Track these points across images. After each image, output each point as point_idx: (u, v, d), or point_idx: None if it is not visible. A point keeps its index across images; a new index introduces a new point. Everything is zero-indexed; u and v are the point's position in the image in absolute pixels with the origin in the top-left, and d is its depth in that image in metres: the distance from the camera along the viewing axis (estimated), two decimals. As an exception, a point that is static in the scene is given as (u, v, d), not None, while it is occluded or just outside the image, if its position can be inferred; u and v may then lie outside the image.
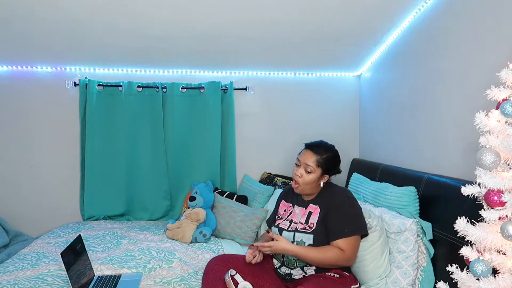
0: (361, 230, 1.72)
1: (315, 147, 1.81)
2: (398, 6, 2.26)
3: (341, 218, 1.69)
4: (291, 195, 1.94)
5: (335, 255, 1.63)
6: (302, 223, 1.77)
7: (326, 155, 1.78)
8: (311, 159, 1.77)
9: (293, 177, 1.81)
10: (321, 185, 1.80)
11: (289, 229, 1.79)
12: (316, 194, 1.82)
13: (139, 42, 2.59)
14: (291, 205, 1.91)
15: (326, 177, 1.80)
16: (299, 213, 1.83)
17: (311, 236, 1.70)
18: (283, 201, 1.97)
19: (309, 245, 1.69)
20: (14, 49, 2.65)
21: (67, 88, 2.95)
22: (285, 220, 1.86)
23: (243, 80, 3.16)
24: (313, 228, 1.72)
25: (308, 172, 1.76)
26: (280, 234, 1.80)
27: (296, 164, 1.83)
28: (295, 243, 1.72)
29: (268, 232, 1.78)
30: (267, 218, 2.14)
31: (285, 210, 1.92)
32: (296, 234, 1.74)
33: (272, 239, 1.72)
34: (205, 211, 2.59)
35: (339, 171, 1.87)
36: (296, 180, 1.79)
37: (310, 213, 1.78)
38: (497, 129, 1.12)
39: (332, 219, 1.69)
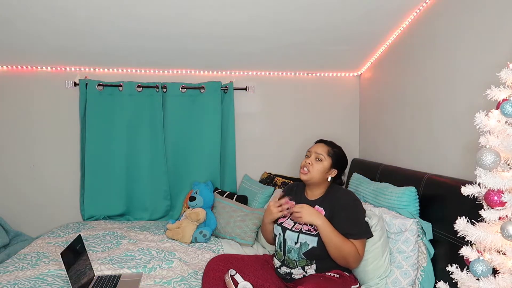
0: (369, 233, 1.75)
1: (326, 141, 1.91)
2: (398, 6, 2.26)
3: (350, 221, 1.70)
4: (294, 193, 1.95)
5: (353, 250, 1.65)
6: (307, 224, 1.77)
7: (337, 149, 1.88)
8: (322, 148, 1.84)
9: (303, 166, 1.84)
10: (329, 179, 1.83)
11: (293, 229, 1.78)
12: (322, 195, 1.83)
13: (139, 42, 2.59)
14: (294, 203, 1.91)
15: (334, 171, 1.84)
16: None
17: (315, 238, 1.70)
18: (286, 197, 1.97)
19: (313, 247, 1.69)
20: (14, 49, 2.64)
21: (67, 88, 2.95)
22: (289, 219, 1.86)
23: (243, 80, 3.16)
24: (318, 231, 1.72)
25: (319, 160, 1.81)
26: (284, 233, 1.80)
27: (306, 156, 1.88)
28: (299, 244, 1.73)
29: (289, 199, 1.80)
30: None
31: (288, 208, 1.92)
32: (301, 235, 1.73)
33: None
34: (205, 211, 2.59)
35: (344, 174, 1.92)
36: (307, 167, 1.81)
37: None
38: (497, 129, 1.12)
39: (340, 221, 1.70)
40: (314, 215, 1.68)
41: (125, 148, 2.96)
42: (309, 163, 1.81)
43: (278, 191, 2.74)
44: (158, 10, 2.21)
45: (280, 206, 1.79)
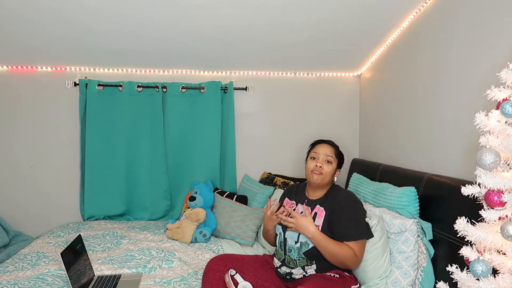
0: (369, 234, 1.75)
1: (329, 141, 1.91)
2: (398, 6, 2.26)
3: (350, 222, 1.70)
4: (294, 193, 1.95)
5: (349, 255, 1.65)
6: None
7: (339, 150, 1.89)
8: (330, 150, 1.84)
9: (312, 169, 1.81)
10: (335, 180, 1.86)
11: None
12: (323, 195, 1.83)
13: (139, 42, 2.59)
14: (294, 203, 1.91)
15: (338, 172, 1.87)
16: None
17: None
18: (286, 198, 1.98)
19: (313, 247, 1.69)
20: (14, 49, 2.64)
21: (67, 88, 2.95)
22: None
23: (243, 80, 3.16)
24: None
25: (329, 162, 1.81)
26: (284, 232, 1.80)
27: (312, 157, 1.85)
28: (299, 243, 1.73)
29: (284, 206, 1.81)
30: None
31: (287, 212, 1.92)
32: (301, 235, 1.73)
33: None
34: (205, 211, 2.59)
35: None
36: (319, 170, 1.79)
37: (315, 214, 1.78)
38: (497, 129, 1.12)
39: (340, 222, 1.70)
40: (304, 229, 1.67)
41: (125, 148, 2.96)
42: (320, 166, 1.79)
43: (278, 191, 2.74)
44: (158, 10, 2.21)
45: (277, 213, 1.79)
